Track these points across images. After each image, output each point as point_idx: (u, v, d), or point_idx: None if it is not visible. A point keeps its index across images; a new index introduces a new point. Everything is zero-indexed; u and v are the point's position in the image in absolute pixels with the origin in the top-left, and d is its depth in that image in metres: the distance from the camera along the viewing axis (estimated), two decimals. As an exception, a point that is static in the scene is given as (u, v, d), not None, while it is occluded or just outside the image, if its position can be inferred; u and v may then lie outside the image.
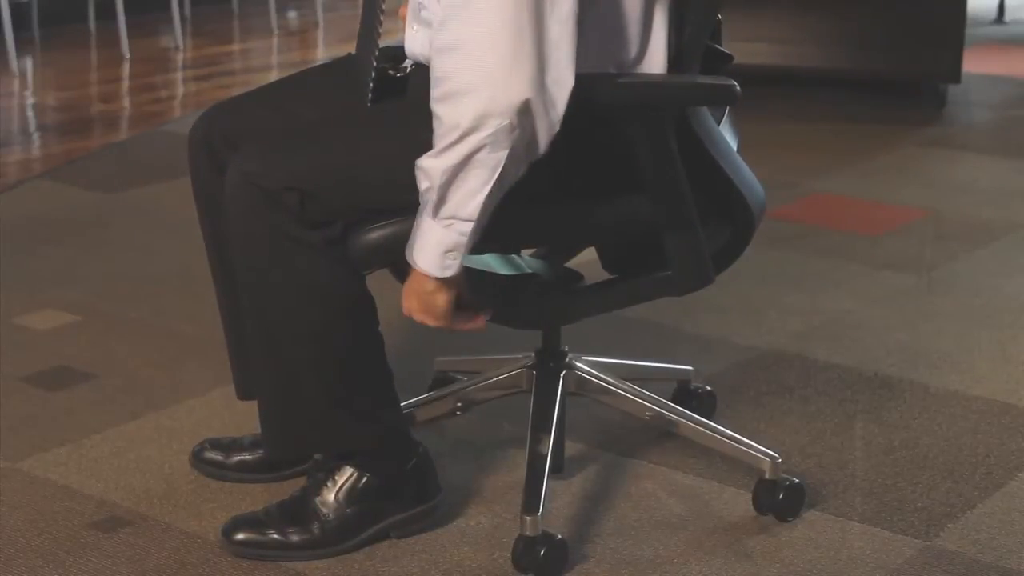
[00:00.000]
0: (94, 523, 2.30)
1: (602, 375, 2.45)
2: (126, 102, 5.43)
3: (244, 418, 2.55)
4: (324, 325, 2.09)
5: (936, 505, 2.39)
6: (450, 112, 1.88)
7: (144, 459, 2.52)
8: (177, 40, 6.40)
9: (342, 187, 2.04)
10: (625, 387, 2.46)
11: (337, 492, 2.21)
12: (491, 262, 2.23)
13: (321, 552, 2.20)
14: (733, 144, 2.27)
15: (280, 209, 2.02)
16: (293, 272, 2.05)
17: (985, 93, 5.52)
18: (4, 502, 2.36)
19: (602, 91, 2.00)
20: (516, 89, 1.86)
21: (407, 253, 1.98)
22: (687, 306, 3.05)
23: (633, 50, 2.06)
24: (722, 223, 2.19)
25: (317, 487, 2.22)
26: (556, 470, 2.42)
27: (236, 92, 2.47)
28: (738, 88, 2.06)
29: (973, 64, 5.64)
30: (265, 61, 6.34)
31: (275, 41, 6.68)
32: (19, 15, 6.14)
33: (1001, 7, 7.06)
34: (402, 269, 2.16)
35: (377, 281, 2.16)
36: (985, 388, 2.84)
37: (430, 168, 1.90)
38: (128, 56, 6.07)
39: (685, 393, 2.68)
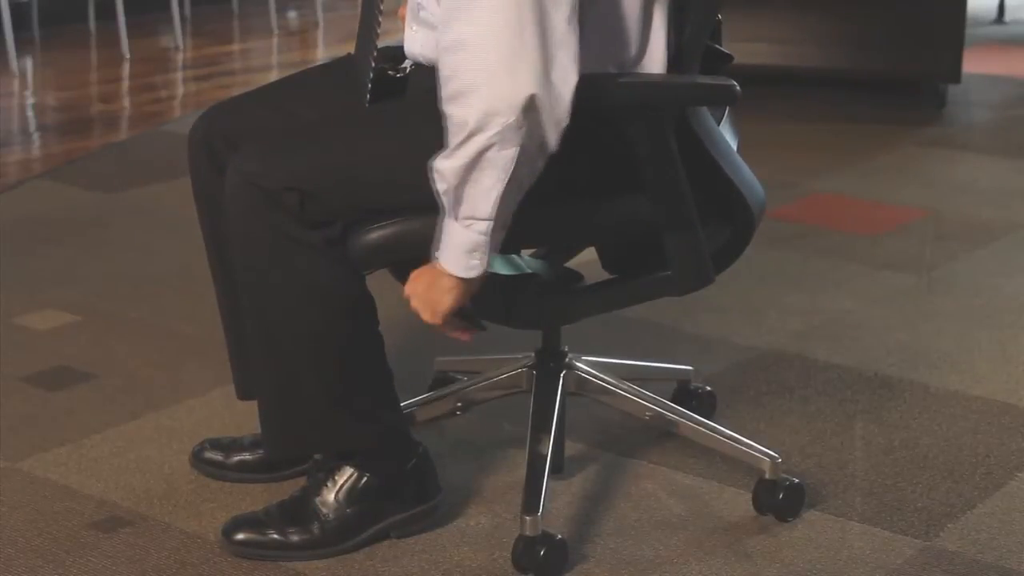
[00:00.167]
0: (94, 523, 2.30)
1: (602, 375, 2.45)
2: (126, 102, 5.43)
3: (244, 418, 2.55)
4: (324, 325, 2.09)
5: (936, 505, 2.39)
6: (457, 111, 1.88)
7: (144, 459, 2.52)
8: (177, 40, 6.40)
9: (342, 187, 2.04)
10: (625, 387, 2.46)
11: (337, 492, 2.21)
12: (491, 262, 2.23)
13: (321, 552, 2.20)
14: (733, 144, 2.27)
15: (280, 209, 2.02)
16: (293, 272, 2.05)
17: (985, 93, 5.52)
18: (4, 502, 2.36)
19: (603, 91, 2.00)
20: (520, 86, 1.86)
21: (432, 252, 1.98)
22: (687, 306, 3.05)
23: (633, 50, 2.06)
24: (722, 223, 2.19)
25: (317, 487, 2.22)
26: (556, 470, 2.42)
27: (236, 92, 2.47)
28: (738, 88, 2.06)
29: (973, 64, 5.64)
30: (265, 61, 6.34)
31: (275, 41, 6.68)
32: (19, 15, 6.14)
33: (1001, 7, 7.06)
34: (402, 269, 2.16)
35: (377, 281, 2.16)
36: (985, 388, 2.84)
37: (444, 169, 1.91)
38: (128, 56, 6.07)
39: (685, 393, 2.68)
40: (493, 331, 2.26)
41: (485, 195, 1.91)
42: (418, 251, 2.06)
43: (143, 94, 5.51)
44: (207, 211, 2.32)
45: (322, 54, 6.48)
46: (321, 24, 7.03)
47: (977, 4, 6.56)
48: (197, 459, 2.45)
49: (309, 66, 2.50)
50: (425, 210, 2.01)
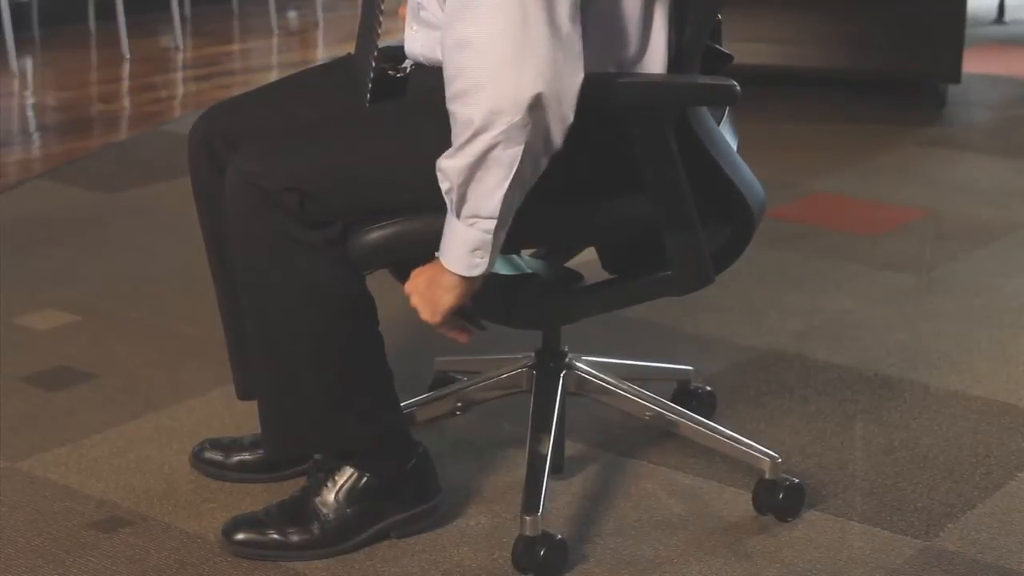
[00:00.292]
0: (94, 523, 2.30)
1: (602, 375, 2.45)
2: (126, 102, 5.43)
3: (244, 418, 2.55)
4: (324, 325, 2.09)
5: (936, 505, 2.39)
6: (462, 110, 1.89)
7: (144, 459, 2.52)
8: (177, 40, 6.40)
9: (342, 187, 2.04)
10: (625, 387, 2.46)
11: (337, 492, 2.21)
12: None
13: (321, 552, 2.20)
14: (733, 144, 2.27)
15: (280, 209, 2.02)
16: (293, 272, 2.05)
17: (985, 93, 5.52)
18: (4, 502, 2.36)
19: (604, 91, 1.99)
20: (525, 84, 1.86)
21: (439, 253, 1.99)
22: (687, 306, 3.05)
23: (633, 49, 2.06)
24: (722, 223, 2.19)
25: (317, 487, 2.22)
26: (556, 470, 2.42)
27: (236, 92, 2.47)
28: (738, 88, 2.06)
29: (973, 64, 5.64)
30: (265, 61, 6.34)
31: (275, 41, 6.68)
32: (19, 15, 6.14)
33: (1001, 7, 7.06)
34: (402, 269, 2.16)
35: (377, 281, 2.16)
36: (985, 388, 2.84)
37: (448, 168, 1.91)
38: (128, 56, 6.07)
39: (685, 393, 2.68)
40: (493, 331, 2.26)
41: (489, 194, 1.91)
42: (418, 251, 2.06)
43: (143, 94, 5.51)
44: (207, 211, 2.32)
45: (322, 54, 6.48)
46: (321, 24, 7.03)
47: (977, 4, 6.56)
48: (197, 459, 2.45)
49: (309, 66, 2.50)
50: (425, 210, 2.01)
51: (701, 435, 2.43)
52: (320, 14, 7.08)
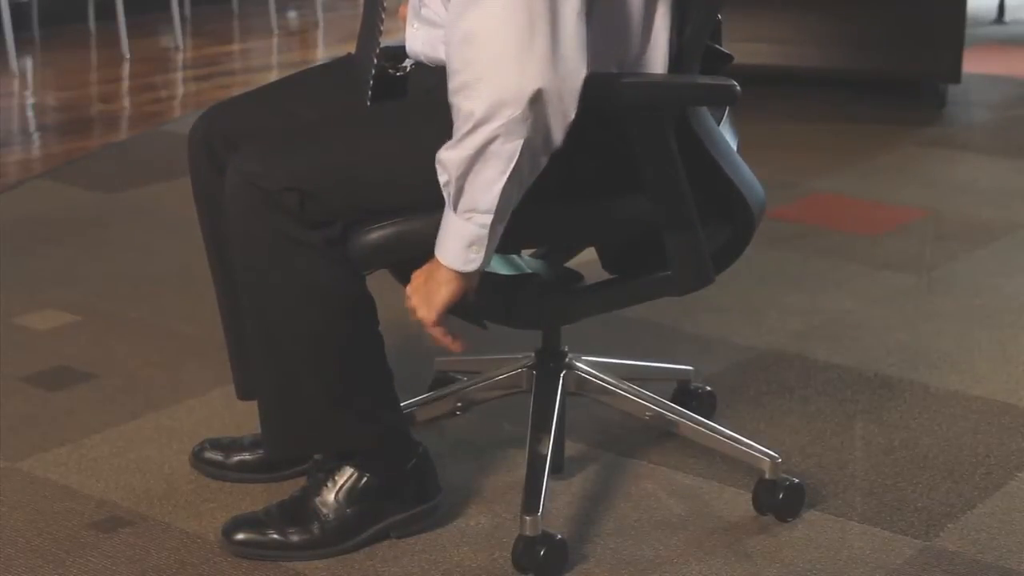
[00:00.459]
0: (94, 523, 2.30)
1: (602, 375, 2.45)
2: (126, 102, 5.43)
3: (244, 418, 2.54)
4: (324, 325, 2.09)
5: (936, 505, 2.39)
6: (464, 102, 1.89)
7: (144, 459, 2.52)
8: (177, 40, 6.40)
9: (342, 187, 2.04)
10: (625, 387, 2.46)
11: (337, 492, 2.21)
12: (491, 262, 2.23)
13: (321, 552, 2.20)
14: (733, 144, 2.27)
15: (280, 209, 2.02)
16: (293, 272, 2.05)
17: (985, 93, 5.52)
18: (4, 502, 2.36)
19: (606, 90, 1.99)
20: (528, 78, 1.86)
21: (435, 249, 1.98)
22: (687, 306, 3.04)
23: (634, 49, 2.06)
24: (722, 223, 2.19)
25: (317, 487, 2.22)
26: (556, 470, 2.42)
27: (236, 92, 2.47)
28: (738, 88, 2.06)
29: (973, 64, 5.64)
30: (265, 61, 6.34)
31: (275, 41, 6.68)
32: (19, 15, 6.13)
33: (1001, 7, 7.06)
34: (402, 269, 2.16)
35: (377, 281, 2.16)
36: (985, 388, 2.84)
37: (447, 160, 1.91)
38: (128, 56, 6.07)
39: (685, 393, 2.68)
40: (493, 331, 2.26)
41: (487, 188, 1.91)
42: (418, 251, 2.06)
43: (143, 94, 5.51)
44: (207, 211, 2.32)
45: (322, 54, 6.48)
46: (321, 24, 7.03)
47: (977, 4, 6.56)
48: (197, 459, 2.45)
49: (309, 66, 2.50)
50: (425, 210, 2.01)
51: (701, 435, 2.43)
52: (320, 14, 7.08)
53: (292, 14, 7.30)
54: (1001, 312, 3.25)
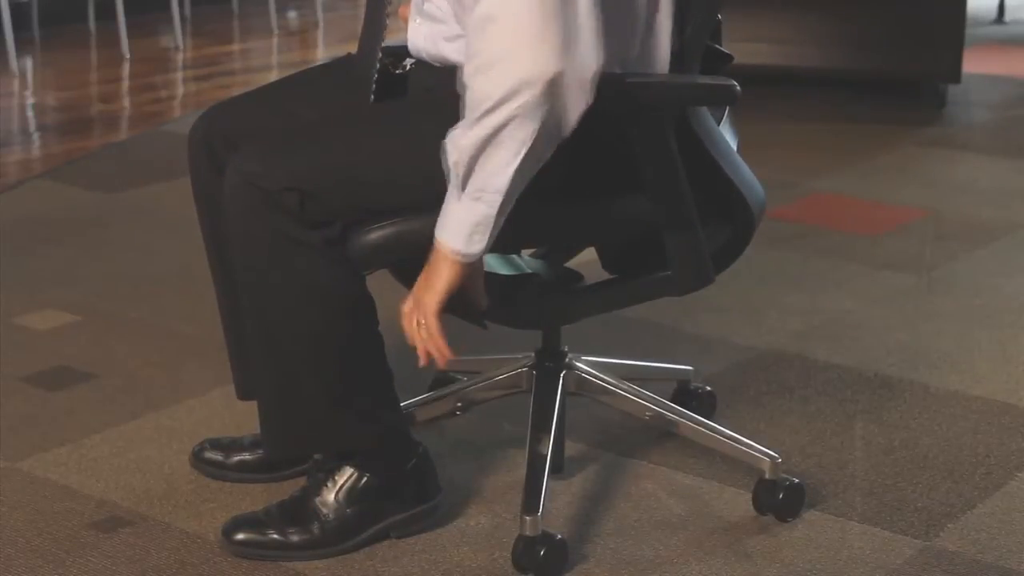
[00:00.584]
0: (94, 523, 2.30)
1: (602, 375, 2.45)
2: (126, 102, 5.43)
3: (244, 418, 2.54)
4: (324, 325, 2.09)
5: (936, 505, 2.39)
6: (482, 84, 1.88)
7: (144, 459, 2.52)
8: (177, 40, 6.40)
9: (342, 187, 2.04)
10: (625, 387, 2.46)
11: (337, 492, 2.21)
12: (491, 262, 2.23)
13: (321, 552, 2.20)
14: (733, 144, 2.27)
15: (280, 209, 2.02)
16: (293, 272, 2.05)
17: (985, 93, 5.52)
18: (4, 502, 2.36)
19: (605, 90, 1.99)
20: (547, 62, 1.85)
21: (436, 233, 1.97)
22: (687, 306, 3.04)
23: (637, 49, 2.06)
24: (722, 223, 2.19)
25: (317, 487, 2.22)
26: (556, 470, 2.42)
27: (236, 92, 2.47)
28: (738, 88, 2.06)
29: (973, 64, 5.64)
30: (265, 61, 6.34)
31: (275, 41, 6.68)
32: (19, 15, 6.13)
33: (1001, 7, 7.06)
34: (402, 269, 2.16)
35: (377, 281, 2.16)
36: (985, 388, 2.84)
37: (459, 140, 1.90)
38: (128, 56, 6.07)
39: (685, 393, 2.68)
40: (493, 331, 2.26)
41: (500, 170, 1.90)
42: (418, 251, 2.06)
43: (143, 94, 5.51)
44: (207, 211, 2.32)
45: (322, 54, 6.48)
46: (321, 24, 7.03)
47: (977, 4, 6.56)
48: (197, 459, 2.45)
49: (309, 66, 2.50)
50: (425, 210, 2.00)
51: (701, 435, 2.43)
52: (320, 14, 7.08)
53: (292, 14, 7.30)
54: (1001, 312, 3.25)
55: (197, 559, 2.20)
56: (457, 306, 2.03)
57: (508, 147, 1.89)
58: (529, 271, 2.25)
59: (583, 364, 2.44)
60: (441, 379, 2.67)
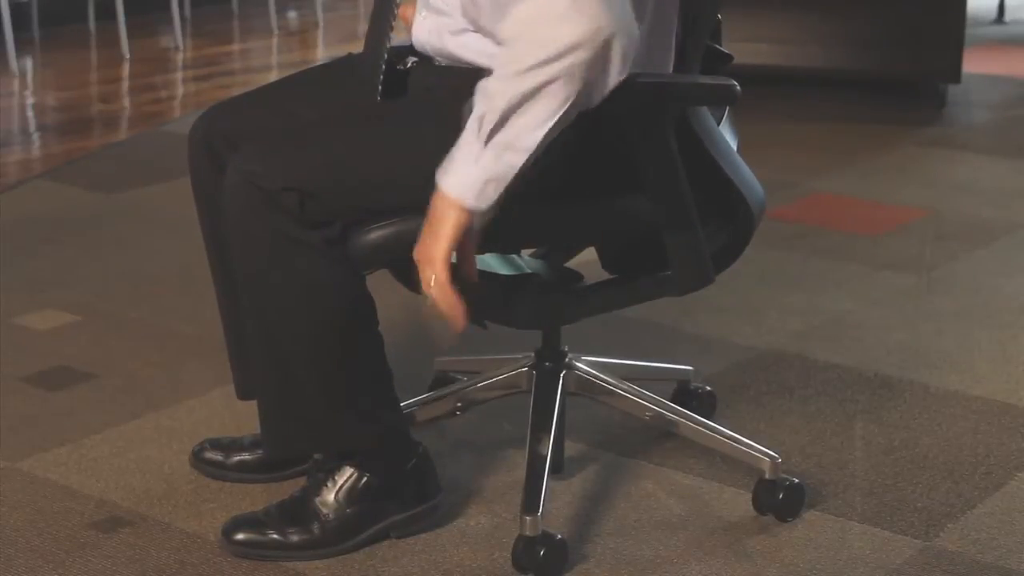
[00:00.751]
0: (94, 523, 2.30)
1: (602, 375, 2.45)
2: (126, 102, 5.43)
3: (244, 418, 2.55)
4: (324, 325, 2.09)
5: (936, 505, 2.39)
6: (532, 38, 1.85)
7: (144, 459, 2.52)
8: (177, 40, 6.40)
9: (342, 187, 2.04)
10: (625, 387, 2.46)
11: (337, 492, 2.21)
12: (491, 262, 2.23)
13: (321, 552, 2.20)
14: (733, 144, 2.27)
15: (280, 209, 2.02)
16: (293, 272, 2.05)
17: (985, 93, 5.52)
18: (4, 502, 2.36)
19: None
20: (604, 25, 1.83)
21: (437, 175, 1.92)
22: (687, 306, 3.05)
23: (644, 50, 2.05)
24: (722, 223, 2.19)
25: (317, 487, 2.22)
26: (556, 470, 2.42)
27: (236, 92, 2.47)
28: (738, 88, 2.06)
29: (973, 64, 5.64)
30: (265, 61, 6.34)
31: (275, 41, 6.68)
32: (19, 15, 6.14)
33: (1001, 7, 7.06)
34: (402, 269, 2.15)
35: (377, 281, 2.16)
36: (985, 388, 2.84)
37: (495, 91, 1.87)
38: (128, 56, 6.07)
39: (685, 393, 2.68)
40: (493, 331, 2.26)
41: (534, 128, 1.87)
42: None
43: (143, 94, 5.51)
44: (207, 211, 2.32)
45: (322, 54, 6.48)
46: (321, 24, 7.03)
47: (977, 4, 6.56)
48: (197, 459, 2.45)
49: (309, 66, 2.50)
50: (425, 209, 2.00)
51: (701, 435, 2.43)
52: (320, 14, 7.08)
53: (292, 14, 7.30)
54: (1001, 312, 3.25)
55: (197, 559, 2.20)
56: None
57: (547, 106, 1.86)
58: (529, 271, 2.25)
59: (583, 364, 2.44)
60: (441, 379, 2.67)
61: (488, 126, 1.88)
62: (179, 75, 5.95)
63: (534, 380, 2.40)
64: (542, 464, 2.23)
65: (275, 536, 2.19)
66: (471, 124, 1.90)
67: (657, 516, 2.35)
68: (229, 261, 2.20)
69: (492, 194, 1.90)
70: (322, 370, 2.12)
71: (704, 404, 2.67)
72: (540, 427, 2.29)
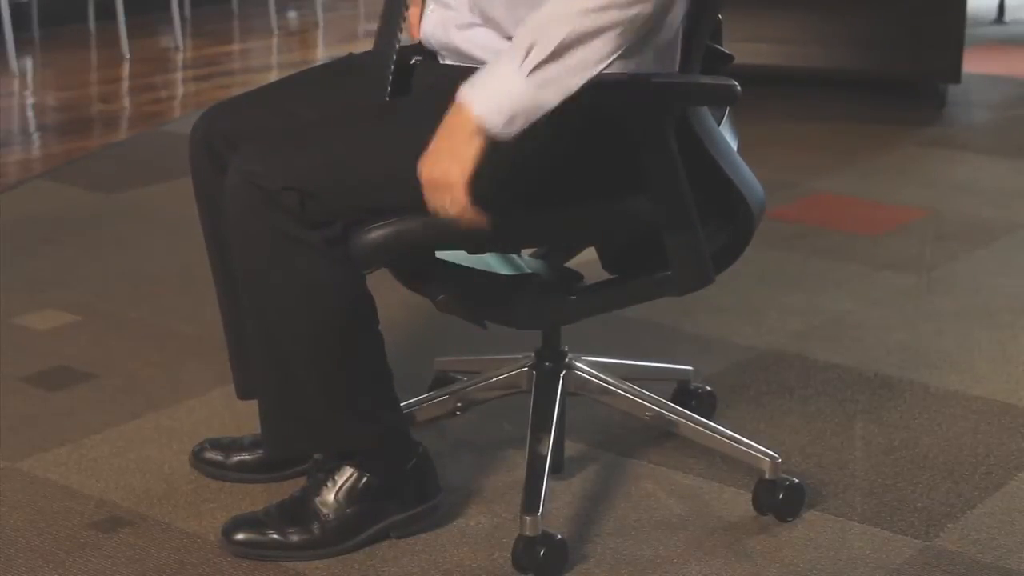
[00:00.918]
0: (94, 523, 2.30)
1: (602, 375, 2.45)
2: (126, 102, 5.43)
3: (244, 418, 2.55)
4: (324, 325, 2.09)
5: (936, 505, 2.39)
6: None
7: (144, 459, 2.52)
8: (177, 40, 6.40)
9: (342, 187, 2.04)
10: (625, 387, 2.46)
11: (337, 492, 2.21)
12: (491, 262, 2.23)
13: (321, 552, 2.20)
14: (733, 144, 2.27)
15: (280, 209, 2.02)
16: (293, 272, 2.05)
17: (985, 93, 5.52)
18: (4, 502, 2.36)
19: (606, 91, 1.99)
20: None
21: (460, 93, 1.89)
22: (687, 306, 3.05)
23: (651, 50, 2.05)
24: (722, 223, 2.19)
25: (317, 487, 2.22)
26: (556, 470, 2.42)
27: (236, 92, 2.47)
28: (739, 88, 2.06)
29: (973, 64, 5.64)
30: (265, 61, 6.34)
31: (275, 41, 6.68)
32: (19, 15, 6.14)
33: (1001, 7, 7.06)
34: (402, 269, 2.16)
35: (377, 281, 2.16)
36: (985, 388, 2.84)
37: (553, 25, 1.84)
38: (128, 56, 6.07)
39: (685, 393, 2.68)
40: (493, 331, 2.26)
41: (582, 69, 1.86)
42: (419, 250, 2.06)
43: (143, 94, 5.51)
44: (208, 211, 2.32)
45: (322, 54, 6.48)
46: (321, 24, 7.03)
47: (977, 4, 6.56)
48: (197, 459, 2.45)
49: (309, 66, 2.50)
50: (425, 208, 2.00)
51: (701, 435, 2.43)
52: (320, 14, 7.08)
53: (292, 14, 7.30)
54: (1001, 312, 3.25)
55: (197, 559, 2.20)
56: (458, 306, 2.03)
57: (600, 50, 1.85)
58: (529, 271, 2.25)
59: (583, 364, 2.44)
60: (441, 379, 2.67)
61: (536, 59, 1.85)
62: (179, 75, 5.95)
63: (534, 380, 2.40)
64: (542, 464, 2.23)
65: (275, 536, 2.19)
66: (513, 53, 1.86)
67: (657, 516, 2.35)
68: (229, 261, 2.20)
69: (517, 127, 1.87)
70: (322, 370, 2.12)
71: (704, 404, 2.67)
72: (540, 427, 2.29)
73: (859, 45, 5.16)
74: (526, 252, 2.36)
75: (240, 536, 2.20)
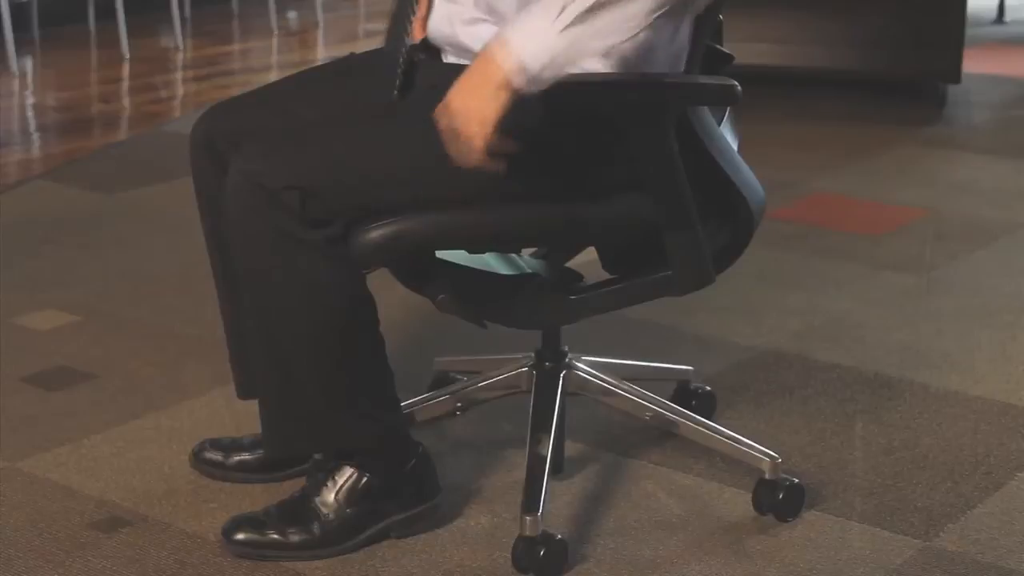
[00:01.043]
0: (94, 523, 2.30)
1: (602, 375, 2.45)
2: (126, 102, 5.43)
3: (244, 418, 2.55)
4: (324, 325, 2.09)
5: (936, 505, 2.39)
6: None
7: (144, 459, 2.52)
8: (177, 40, 6.40)
9: (343, 186, 2.04)
10: (625, 387, 2.46)
11: (337, 492, 2.21)
12: (491, 262, 2.23)
13: (321, 552, 2.20)
14: (733, 144, 2.27)
15: (281, 208, 2.02)
16: (294, 272, 2.05)
17: (985, 93, 5.52)
18: (4, 502, 2.36)
19: (606, 90, 1.99)
20: None
21: (488, 45, 1.88)
22: (687, 306, 3.04)
23: (659, 51, 2.06)
24: (722, 223, 2.19)
25: (317, 487, 2.22)
26: (556, 470, 2.42)
27: (236, 92, 2.47)
28: (739, 88, 2.06)
29: (973, 64, 5.64)
30: (265, 61, 6.34)
31: (275, 41, 6.68)
32: (19, 15, 6.13)
33: (1001, 7, 7.06)
34: (402, 269, 2.15)
35: (377, 281, 2.16)
36: (985, 388, 2.84)
37: None
38: (128, 56, 6.07)
39: (685, 393, 2.68)
40: (493, 331, 2.26)
41: (618, 30, 1.87)
42: (419, 249, 2.06)
43: (143, 94, 5.51)
44: (208, 211, 2.32)
45: (322, 54, 6.48)
46: (321, 24, 7.03)
47: (977, 4, 6.55)
48: (197, 459, 2.45)
49: (309, 66, 2.50)
50: (426, 208, 2.01)
51: (701, 435, 2.43)
52: (320, 14, 7.08)
53: (292, 14, 7.30)
54: (1001, 312, 3.25)
55: (197, 559, 2.20)
56: (457, 307, 2.03)
57: (637, 10, 1.86)
58: (529, 271, 2.25)
59: (583, 364, 2.44)
60: (441, 379, 2.67)
61: (571, 15, 1.85)
62: (179, 75, 5.95)
63: (534, 380, 2.40)
64: (542, 464, 2.23)
65: (275, 536, 2.19)
66: (547, 6, 1.86)
67: (657, 516, 2.35)
68: (230, 261, 2.20)
69: (546, 79, 1.87)
70: (322, 370, 2.12)
71: (704, 404, 2.67)
72: (540, 427, 2.29)
73: (859, 45, 5.16)
74: (526, 252, 2.36)
75: (240, 536, 2.20)
